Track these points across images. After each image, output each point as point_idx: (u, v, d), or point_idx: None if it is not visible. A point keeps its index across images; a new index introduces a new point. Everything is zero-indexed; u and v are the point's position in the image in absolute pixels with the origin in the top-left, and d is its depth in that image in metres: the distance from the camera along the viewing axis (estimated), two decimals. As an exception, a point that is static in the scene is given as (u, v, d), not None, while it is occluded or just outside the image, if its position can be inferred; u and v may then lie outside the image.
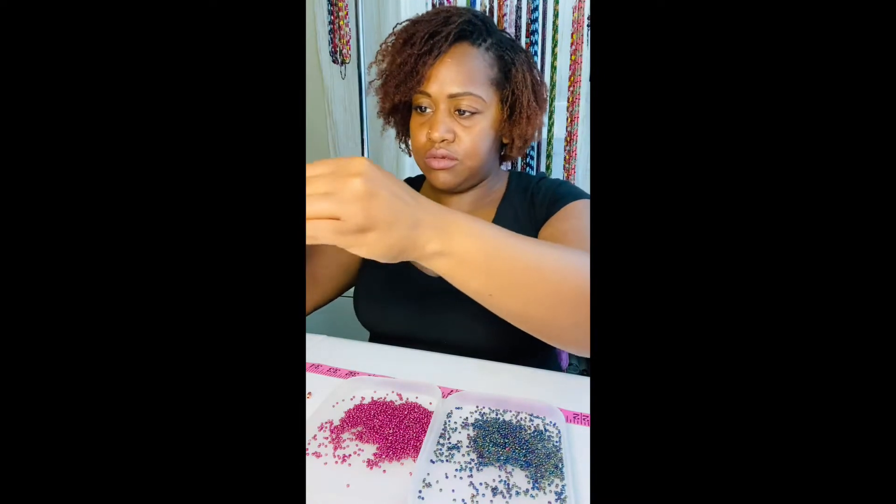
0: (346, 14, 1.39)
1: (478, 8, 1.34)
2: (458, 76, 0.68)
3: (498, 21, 1.20)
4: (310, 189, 0.36)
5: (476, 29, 0.70)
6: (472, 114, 0.69)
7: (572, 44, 1.19)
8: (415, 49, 0.68)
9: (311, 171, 0.37)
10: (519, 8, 1.21)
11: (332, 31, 1.41)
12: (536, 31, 1.20)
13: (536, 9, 1.21)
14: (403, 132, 0.83)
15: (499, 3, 1.22)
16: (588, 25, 1.19)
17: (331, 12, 1.39)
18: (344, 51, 1.41)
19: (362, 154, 1.48)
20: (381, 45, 0.75)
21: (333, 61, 1.46)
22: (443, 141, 0.69)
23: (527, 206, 0.77)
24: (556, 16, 1.20)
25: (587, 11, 1.16)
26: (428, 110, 0.70)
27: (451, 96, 0.68)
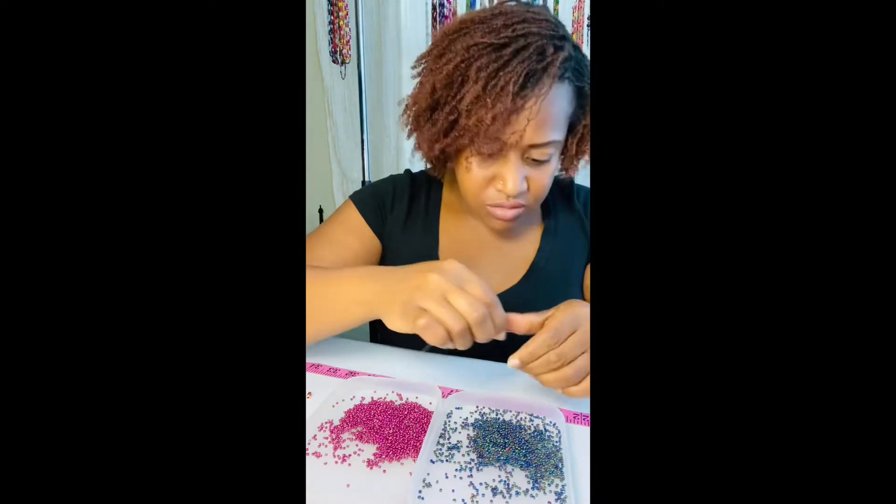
0: (346, 14, 1.39)
1: (477, 8, 1.34)
2: (543, 125, 0.55)
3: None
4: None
5: (570, 65, 0.56)
6: (547, 160, 0.59)
7: (572, 44, 1.19)
8: (507, 102, 0.52)
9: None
10: (519, 8, 1.21)
11: (332, 31, 1.41)
12: (536, 31, 1.19)
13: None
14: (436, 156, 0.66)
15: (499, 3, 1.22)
16: (588, 25, 1.19)
17: (331, 12, 1.39)
18: (344, 51, 1.41)
19: (362, 154, 1.48)
20: (433, 77, 0.57)
21: (333, 61, 1.46)
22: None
23: (577, 222, 0.73)
24: (556, 16, 1.20)
25: (587, 11, 1.17)
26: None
27: (531, 146, 0.56)
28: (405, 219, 0.72)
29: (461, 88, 0.54)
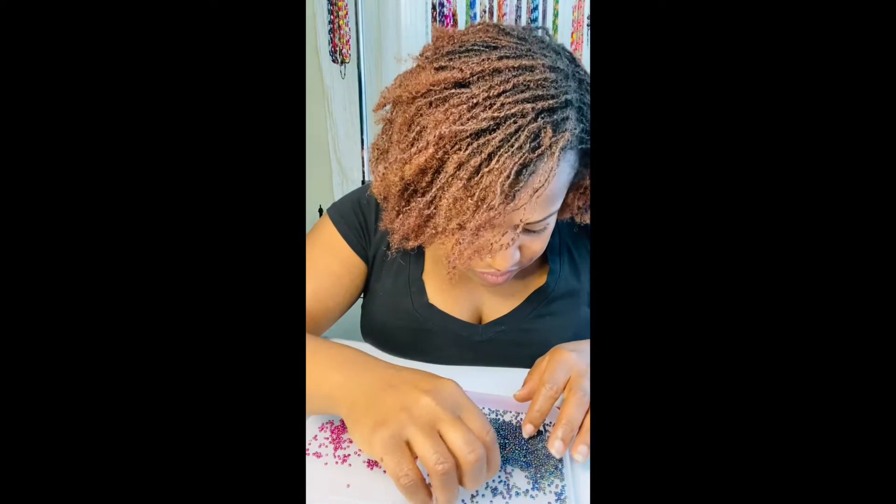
0: (346, 14, 1.39)
1: (477, 8, 1.34)
2: (540, 207, 0.46)
3: (497, 21, 1.19)
4: None
5: (574, 134, 0.45)
6: (544, 228, 0.51)
7: (572, 43, 1.19)
8: (494, 205, 0.42)
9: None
10: (519, 8, 1.21)
11: (332, 31, 1.41)
12: (536, 30, 1.20)
13: (536, 8, 1.21)
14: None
15: (499, 3, 1.23)
16: (588, 25, 1.19)
17: (331, 12, 1.39)
18: (344, 50, 1.41)
19: (362, 154, 1.48)
20: (400, 167, 0.45)
21: (333, 61, 1.46)
22: None
23: (584, 234, 0.66)
24: (556, 15, 1.20)
25: (587, 11, 1.17)
26: None
27: (528, 223, 0.47)
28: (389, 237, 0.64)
29: (436, 177, 0.44)
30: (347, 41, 1.41)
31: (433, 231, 0.47)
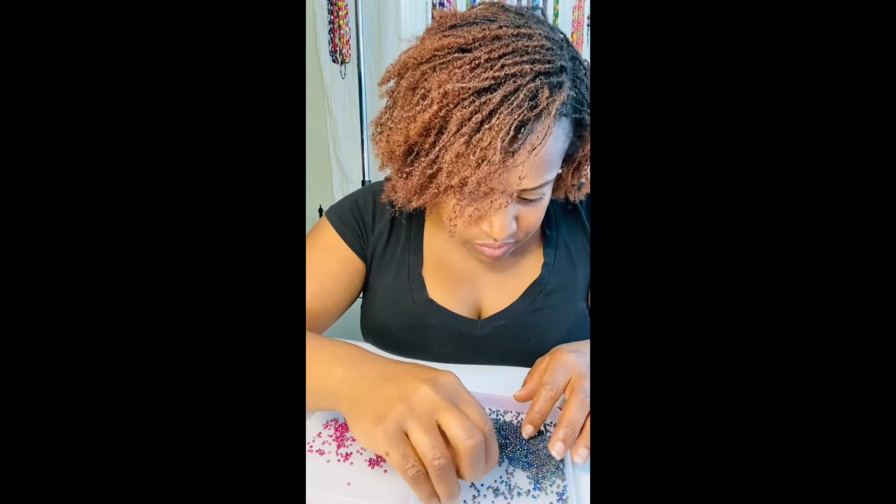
0: (346, 13, 1.39)
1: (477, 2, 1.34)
2: (536, 170, 0.47)
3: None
4: None
5: (569, 99, 0.47)
6: (540, 198, 0.53)
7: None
8: (494, 161, 0.44)
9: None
10: (519, 7, 1.22)
11: (332, 31, 1.41)
12: (536, 30, 1.20)
13: (536, 8, 1.21)
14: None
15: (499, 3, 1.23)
16: (588, 25, 1.19)
17: (331, 12, 1.39)
18: (344, 50, 1.41)
19: (362, 154, 1.48)
20: (406, 125, 0.47)
21: (333, 61, 1.47)
22: None
23: (581, 230, 0.67)
24: (556, 15, 1.20)
25: (587, 11, 1.17)
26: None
27: (523, 190, 0.50)
28: (388, 235, 0.66)
29: (439, 138, 0.46)
30: (347, 41, 1.41)
31: (436, 190, 0.49)
